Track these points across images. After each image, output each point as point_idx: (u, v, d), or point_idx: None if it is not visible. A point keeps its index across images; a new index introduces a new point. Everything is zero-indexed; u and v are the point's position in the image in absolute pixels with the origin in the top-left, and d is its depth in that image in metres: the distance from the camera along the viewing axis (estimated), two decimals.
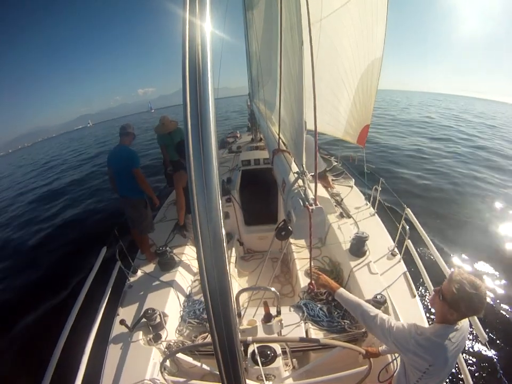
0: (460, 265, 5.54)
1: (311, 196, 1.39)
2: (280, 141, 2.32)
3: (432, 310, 1.70)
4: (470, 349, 2.89)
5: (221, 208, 0.67)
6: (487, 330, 3.90)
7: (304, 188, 1.47)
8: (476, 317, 2.09)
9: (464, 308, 1.38)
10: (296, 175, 1.60)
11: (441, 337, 1.45)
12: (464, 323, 1.52)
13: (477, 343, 2.13)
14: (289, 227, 1.50)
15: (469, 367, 2.13)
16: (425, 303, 2.85)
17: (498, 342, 3.60)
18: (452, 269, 1.51)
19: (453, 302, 1.40)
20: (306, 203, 1.32)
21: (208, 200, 0.65)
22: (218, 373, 2.06)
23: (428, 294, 2.94)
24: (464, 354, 1.58)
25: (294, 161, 1.98)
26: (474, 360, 3.00)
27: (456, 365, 2.03)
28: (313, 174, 1.55)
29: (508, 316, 4.26)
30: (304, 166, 1.56)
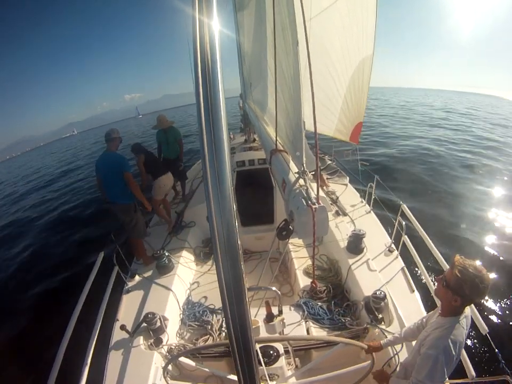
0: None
1: (313, 195, 1.40)
2: (277, 141, 2.33)
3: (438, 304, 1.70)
4: (472, 340, 2.94)
5: (235, 210, 0.68)
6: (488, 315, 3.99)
7: (306, 187, 1.47)
8: (475, 309, 2.12)
9: (468, 291, 1.40)
10: (296, 175, 1.61)
11: (457, 334, 1.47)
12: (467, 310, 1.55)
13: (477, 334, 2.17)
14: (291, 227, 1.51)
15: (470, 357, 2.16)
16: (424, 297, 2.87)
17: (499, 332, 3.66)
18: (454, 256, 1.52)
19: (457, 286, 1.42)
20: (309, 202, 1.33)
21: (223, 204, 0.66)
22: (221, 375, 2.06)
23: (426, 288, 2.97)
24: (465, 346, 1.61)
25: (292, 160, 1.99)
26: (475, 351, 3.05)
27: None
28: (313, 173, 1.56)
29: (508, 307, 4.34)
30: (304, 165, 1.57)
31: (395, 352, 2.21)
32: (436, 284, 1.60)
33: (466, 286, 1.39)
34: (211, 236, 0.68)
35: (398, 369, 2.10)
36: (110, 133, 3.84)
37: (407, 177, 9.93)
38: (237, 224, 0.68)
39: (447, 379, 1.53)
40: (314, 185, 1.52)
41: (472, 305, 2.06)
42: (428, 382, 1.48)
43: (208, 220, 0.67)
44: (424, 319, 1.89)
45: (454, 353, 1.45)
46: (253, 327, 2.10)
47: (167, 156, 5.49)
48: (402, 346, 2.23)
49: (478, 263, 1.43)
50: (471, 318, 1.62)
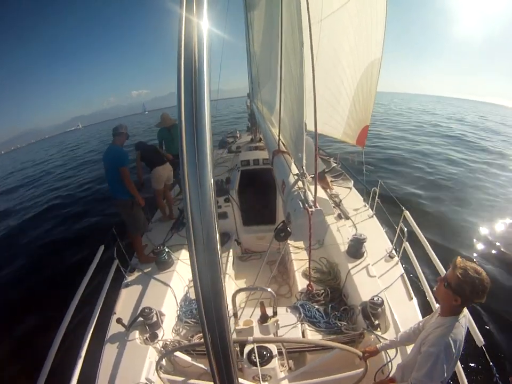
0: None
1: (310, 198, 1.39)
2: (280, 142, 2.32)
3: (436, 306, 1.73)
4: (467, 353, 2.90)
5: (215, 208, 0.66)
6: (484, 328, 3.92)
7: (304, 190, 1.46)
8: (472, 321, 2.10)
9: (468, 292, 1.45)
10: (296, 177, 1.60)
11: (457, 333, 1.51)
12: (465, 310, 1.60)
13: (473, 347, 2.14)
14: (288, 228, 1.50)
15: (465, 370, 2.14)
16: (422, 305, 2.84)
17: (494, 345, 3.61)
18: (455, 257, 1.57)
19: (458, 287, 1.47)
20: (306, 205, 1.32)
21: (202, 201, 0.64)
22: None
23: (424, 296, 2.94)
24: (460, 357, 1.61)
25: (294, 162, 1.98)
26: (470, 364, 3.02)
27: None
28: (312, 175, 1.55)
29: (504, 320, 4.27)
30: (304, 167, 1.56)
31: (389, 359, 2.19)
32: (437, 284, 1.64)
33: (467, 286, 1.44)
34: (186, 230, 0.67)
35: (394, 372, 2.07)
36: (118, 127, 3.87)
37: None
38: (216, 219, 0.67)
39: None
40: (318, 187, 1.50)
41: (471, 318, 2.04)
42: (427, 380, 1.50)
43: (184, 215, 0.66)
44: (420, 323, 1.92)
45: (454, 351, 1.48)
46: (247, 327, 2.11)
47: (171, 152, 5.54)
48: (396, 353, 2.21)
49: (477, 265, 1.49)
50: (468, 330, 1.63)
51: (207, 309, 0.70)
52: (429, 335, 1.60)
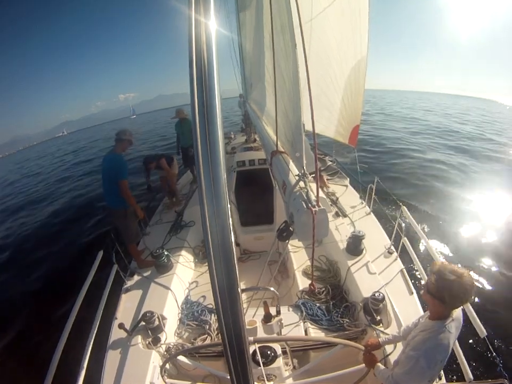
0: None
1: (313, 197, 1.40)
2: (278, 142, 2.33)
3: None
4: (470, 344, 2.94)
5: (229, 211, 0.68)
6: (486, 318, 3.97)
7: (306, 190, 1.47)
8: (473, 312, 2.12)
9: (447, 298, 1.38)
10: (296, 177, 1.61)
11: (443, 338, 1.44)
12: (456, 312, 1.52)
13: (476, 337, 2.17)
14: (291, 228, 1.51)
15: (468, 361, 2.16)
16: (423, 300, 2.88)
17: (497, 336, 3.64)
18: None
19: (436, 293, 1.41)
20: (310, 205, 1.33)
21: (217, 204, 0.65)
22: (218, 374, 2.05)
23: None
24: (463, 349, 1.63)
25: (292, 162, 1.98)
26: (473, 354, 3.07)
27: (456, 360, 2.08)
28: (313, 175, 1.56)
29: (506, 310, 4.32)
30: (305, 167, 1.57)
31: (386, 354, 2.22)
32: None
33: (445, 292, 1.38)
34: (204, 238, 0.68)
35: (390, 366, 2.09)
36: (120, 133, 3.68)
37: None
38: (231, 225, 0.68)
39: (445, 381, 1.54)
40: (314, 187, 1.52)
41: (471, 308, 2.07)
42: (406, 378, 1.49)
43: (202, 222, 0.67)
44: (420, 319, 1.91)
45: (438, 357, 1.43)
46: (251, 327, 2.11)
47: (183, 145, 6.36)
48: (394, 348, 2.24)
49: (457, 266, 1.40)
50: (470, 321, 1.62)
51: (224, 312, 0.71)
52: (415, 336, 1.57)
